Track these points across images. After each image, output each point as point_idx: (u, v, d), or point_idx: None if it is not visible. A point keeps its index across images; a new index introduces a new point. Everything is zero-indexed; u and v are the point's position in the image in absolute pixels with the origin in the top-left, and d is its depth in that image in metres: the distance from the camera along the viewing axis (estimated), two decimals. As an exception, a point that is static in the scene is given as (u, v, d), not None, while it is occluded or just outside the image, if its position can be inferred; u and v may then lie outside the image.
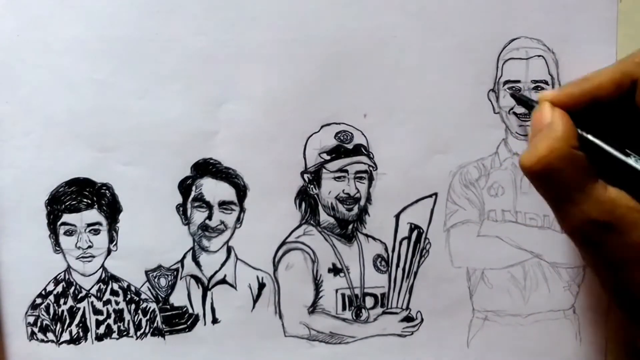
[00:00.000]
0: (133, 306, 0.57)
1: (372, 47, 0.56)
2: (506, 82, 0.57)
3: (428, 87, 0.56)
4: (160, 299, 0.57)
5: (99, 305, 0.57)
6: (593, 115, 0.39)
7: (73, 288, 0.57)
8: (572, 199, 0.37)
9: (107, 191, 0.56)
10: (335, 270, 0.58)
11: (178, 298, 0.57)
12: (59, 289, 0.57)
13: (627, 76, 0.37)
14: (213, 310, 0.58)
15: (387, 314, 0.59)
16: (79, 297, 0.57)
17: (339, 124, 0.56)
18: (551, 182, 0.38)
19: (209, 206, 0.57)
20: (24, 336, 0.57)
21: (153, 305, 0.57)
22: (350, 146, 0.57)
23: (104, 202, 0.56)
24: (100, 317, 0.57)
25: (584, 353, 0.59)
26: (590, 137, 0.39)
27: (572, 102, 0.39)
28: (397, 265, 0.58)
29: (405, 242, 0.58)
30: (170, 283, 0.57)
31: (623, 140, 0.39)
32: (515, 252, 0.58)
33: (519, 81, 0.57)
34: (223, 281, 0.58)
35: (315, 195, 0.57)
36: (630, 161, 0.37)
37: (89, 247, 0.56)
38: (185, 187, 0.56)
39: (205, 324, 0.58)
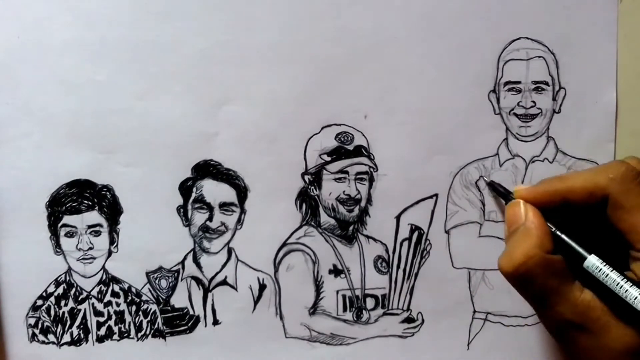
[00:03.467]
0: (134, 308, 0.57)
1: (373, 48, 0.56)
2: (507, 83, 0.57)
3: (428, 88, 0.56)
4: (161, 301, 0.57)
5: (99, 306, 0.57)
6: (568, 212, 0.40)
7: (74, 290, 0.57)
8: (548, 301, 0.39)
9: (107, 193, 0.56)
10: (335, 272, 0.58)
11: (179, 299, 0.57)
12: (60, 290, 0.57)
13: (600, 189, 0.39)
14: (214, 311, 0.58)
15: (388, 315, 0.59)
16: (79, 298, 0.57)
17: (340, 125, 0.57)
18: (528, 287, 0.40)
19: (209, 207, 0.57)
20: (25, 338, 0.57)
21: (154, 307, 0.57)
22: (350, 147, 0.57)
23: (104, 203, 0.56)
24: (101, 319, 0.57)
25: (585, 354, 0.59)
26: (564, 237, 0.40)
27: (545, 200, 0.40)
28: (398, 267, 0.58)
29: (405, 243, 0.58)
30: (171, 284, 0.57)
31: (596, 236, 0.40)
32: (515, 253, 0.58)
33: (519, 82, 0.57)
34: (224, 282, 0.58)
35: (316, 197, 0.57)
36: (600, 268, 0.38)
37: (90, 248, 0.56)
38: (185, 188, 0.56)
39: (206, 326, 0.58)
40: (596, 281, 0.38)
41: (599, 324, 0.38)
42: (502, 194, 0.50)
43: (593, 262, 0.39)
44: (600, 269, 0.38)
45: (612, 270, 0.38)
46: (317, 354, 0.58)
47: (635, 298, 0.37)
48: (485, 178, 0.56)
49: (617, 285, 0.38)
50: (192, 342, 0.58)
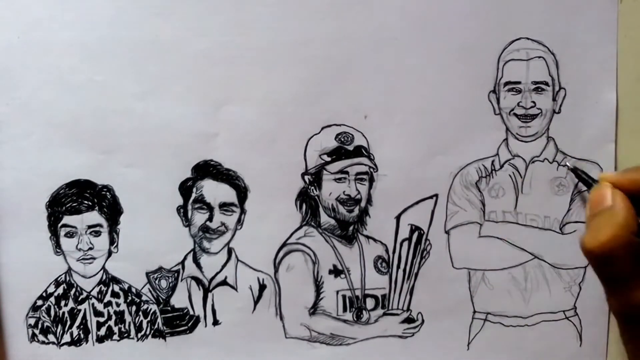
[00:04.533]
0: (134, 308, 0.57)
1: (373, 48, 0.56)
2: (507, 83, 0.57)
3: (428, 88, 0.56)
4: (161, 301, 0.57)
5: (99, 307, 0.57)
6: None
7: (74, 290, 0.57)
8: (627, 284, 0.39)
9: (107, 193, 0.56)
10: (336, 272, 0.58)
11: (179, 300, 0.57)
12: (60, 290, 0.57)
13: None
14: (214, 311, 0.58)
15: (388, 315, 0.59)
16: (79, 298, 0.57)
17: (340, 125, 0.56)
18: (610, 267, 0.39)
19: (209, 208, 0.57)
20: (25, 338, 0.57)
21: (154, 307, 0.57)
22: (350, 148, 0.57)
23: (104, 203, 0.56)
24: (101, 319, 0.57)
25: (585, 354, 0.59)
26: None
27: (633, 188, 0.40)
28: (398, 267, 0.58)
29: (405, 244, 0.58)
30: (171, 285, 0.57)
31: None
32: (516, 253, 0.58)
33: (519, 82, 0.57)
34: (224, 283, 0.58)
35: (316, 197, 0.57)
36: None
37: (90, 248, 0.56)
38: (185, 188, 0.56)
39: (206, 326, 0.58)
40: None
41: None
42: (585, 181, 0.49)
43: None
44: None
45: None
46: (317, 354, 0.58)
47: None
48: (568, 163, 0.56)
49: None
50: (192, 342, 0.58)
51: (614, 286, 0.40)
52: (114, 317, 0.57)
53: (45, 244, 0.56)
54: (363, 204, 0.57)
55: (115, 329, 0.57)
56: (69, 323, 0.57)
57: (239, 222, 0.57)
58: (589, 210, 0.41)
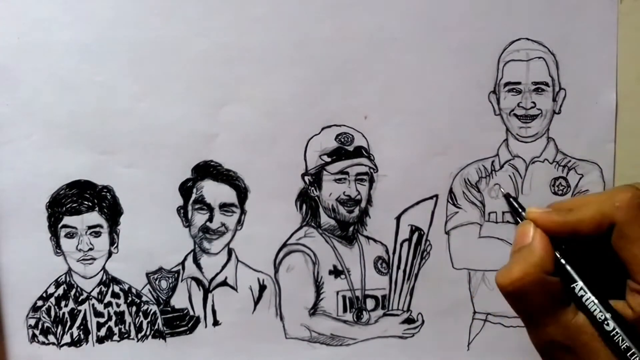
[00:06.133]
0: (134, 308, 0.57)
1: (373, 48, 0.56)
2: (507, 83, 0.57)
3: (428, 88, 0.56)
4: (161, 301, 0.57)
5: (100, 307, 0.57)
6: (576, 241, 0.41)
7: (74, 290, 0.57)
8: (539, 320, 0.40)
9: (108, 193, 0.56)
10: (336, 272, 0.58)
11: (179, 300, 0.57)
12: (60, 291, 0.57)
13: (607, 218, 0.39)
14: (214, 312, 0.58)
15: (388, 315, 0.59)
16: (80, 299, 0.57)
17: (340, 126, 0.56)
18: (522, 304, 0.40)
19: (209, 208, 0.57)
20: (25, 339, 0.57)
21: (154, 308, 0.57)
22: (350, 148, 0.57)
23: (104, 204, 0.56)
24: (101, 320, 0.57)
25: (585, 354, 0.59)
26: (562, 260, 0.40)
27: (553, 229, 0.41)
28: (398, 267, 0.58)
29: (406, 244, 0.58)
30: (171, 285, 0.57)
31: (602, 264, 0.40)
32: (516, 254, 0.58)
33: (519, 83, 0.57)
34: (224, 283, 0.58)
35: (316, 197, 0.57)
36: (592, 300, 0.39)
37: (90, 249, 0.56)
38: (186, 189, 0.56)
39: (206, 326, 0.58)
40: (585, 307, 0.39)
41: (587, 349, 0.39)
42: (516, 211, 0.50)
43: (580, 286, 0.39)
44: (586, 297, 0.39)
45: (596, 299, 0.39)
46: (317, 354, 0.58)
47: (613, 329, 0.37)
48: (502, 190, 0.57)
49: (599, 313, 0.38)
50: (192, 343, 0.58)
51: (528, 322, 0.41)
52: (114, 318, 0.57)
53: (45, 244, 0.56)
54: (363, 204, 0.57)
55: (116, 330, 0.57)
56: (69, 324, 0.57)
57: (239, 222, 0.57)
58: (514, 246, 0.43)
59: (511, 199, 0.50)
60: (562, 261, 0.40)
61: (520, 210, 0.48)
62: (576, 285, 0.39)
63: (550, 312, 0.39)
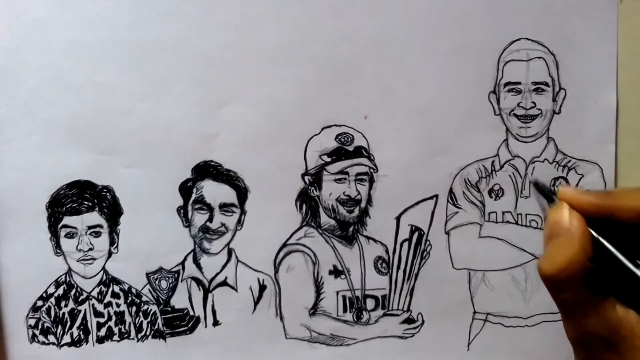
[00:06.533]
0: (134, 308, 0.57)
1: (373, 49, 0.56)
2: (507, 83, 0.57)
3: (428, 89, 0.56)
4: (161, 301, 0.57)
5: (99, 307, 0.57)
6: (611, 224, 0.40)
7: (74, 290, 0.57)
8: (580, 311, 0.39)
9: (108, 193, 0.56)
10: (336, 272, 0.58)
11: (179, 300, 0.57)
12: (60, 291, 0.57)
13: None
14: (214, 312, 0.58)
15: (388, 315, 0.59)
16: (80, 299, 0.57)
17: (340, 126, 0.56)
18: (565, 293, 0.39)
19: (209, 208, 0.57)
20: (25, 339, 0.57)
21: (154, 308, 0.57)
22: (350, 148, 0.57)
23: (104, 204, 0.56)
24: (101, 320, 0.57)
25: (585, 354, 0.59)
26: (610, 247, 0.39)
27: (591, 211, 0.40)
28: (398, 267, 0.58)
29: (406, 244, 0.58)
30: (171, 285, 0.57)
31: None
32: (516, 254, 0.58)
33: (519, 83, 0.57)
34: (224, 283, 0.58)
35: (316, 197, 0.57)
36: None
37: (90, 249, 0.56)
38: (186, 189, 0.56)
39: (206, 326, 0.58)
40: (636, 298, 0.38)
41: (628, 344, 0.38)
42: (546, 195, 0.50)
43: (628, 266, 0.38)
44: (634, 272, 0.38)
45: None
46: (317, 354, 0.58)
47: None
48: (531, 178, 0.56)
49: None
50: (192, 343, 0.58)
51: (568, 312, 0.40)
52: (114, 318, 0.57)
53: (45, 244, 0.56)
54: (363, 204, 0.57)
55: (116, 330, 0.57)
56: (69, 324, 0.57)
57: (239, 222, 0.57)
58: (547, 230, 0.42)
59: (540, 184, 0.49)
60: (603, 242, 0.39)
61: (551, 194, 0.46)
62: (624, 263, 0.38)
63: (591, 301, 0.38)
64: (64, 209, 0.56)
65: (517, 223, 0.58)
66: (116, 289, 0.57)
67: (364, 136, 0.57)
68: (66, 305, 0.57)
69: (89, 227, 0.56)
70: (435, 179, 0.57)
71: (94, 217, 0.56)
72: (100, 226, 0.56)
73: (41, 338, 0.57)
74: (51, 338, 0.57)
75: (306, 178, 0.57)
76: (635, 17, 0.57)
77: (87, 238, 0.56)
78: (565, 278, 0.39)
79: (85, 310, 0.57)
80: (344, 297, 0.58)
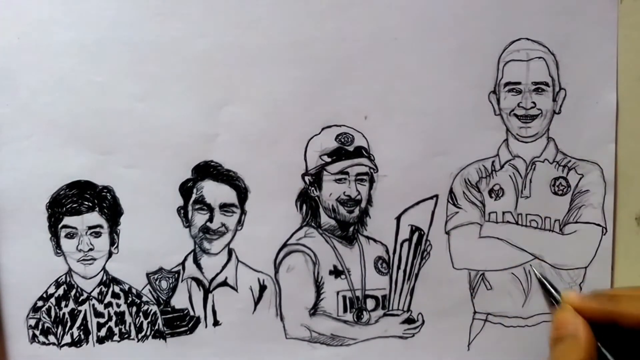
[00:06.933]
0: (134, 309, 0.57)
1: (373, 49, 0.56)
2: (507, 83, 0.57)
3: (428, 89, 0.56)
4: (162, 302, 0.57)
5: (100, 307, 0.57)
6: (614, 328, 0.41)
7: (74, 291, 0.57)
8: None
9: (108, 194, 0.56)
10: (336, 272, 0.58)
11: (179, 300, 0.57)
12: (60, 291, 0.57)
13: None
14: (214, 312, 0.58)
15: (388, 315, 0.59)
16: (80, 299, 0.57)
17: (340, 126, 0.56)
18: None
19: (209, 208, 0.57)
20: (26, 339, 0.57)
21: (154, 308, 0.57)
22: (351, 148, 0.57)
23: (105, 204, 0.56)
24: (102, 320, 0.57)
25: (585, 354, 0.59)
26: (610, 358, 0.40)
27: (593, 317, 0.41)
28: (398, 267, 0.58)
29: (406, 244, 0.58)
30: (171, 285, 0.57)
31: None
32: (516, 254, 0.58)
33: (519, 83, 0.57)
34: (224, 283, 0.58)
35: (316, 198, 0.57)
36: None
37: (90, 249, 0.56)
38: (186, 189, 0.56)
39: (206, 326, 0.58)
40: None
41: None
42: (551, 294, 0.50)
43: None
44: None
45: None
46: (317, 354, 0.58)
47: None
48: (536, 272, 0.57)
49: None
50: (192, 343, 0.58)
51: None
52: (114, 318, 0.57)
53: (45, 244, 0.56)
54: (363, 204, 0.57)
55: (116, 330, 0.57)
56: (69, 324, 0.57)
57: (239, 222, 0.57)
58: (553, 332, 0.42)
59: (545, 282, 0.49)
60: (605, 353, 0.40)
61: (555, 293, 0.47)
62: None
63: None
64: (64, 209, 0.56)
65: (517, 223, 0.58)
66: (116, 289, 0.57)
67: (364, 136, 0.57)
68: (66, 306, 0.57)
69: (89, 228, 0.56)
70: (436, 179, 0.57)
71: (94, 218, 0.56)
72: (101, 226, 0.56)
73: (41, 338, 0.57)
74: (51, 338, 0.57)
75: (306, 178, 0.57)
76: (635, 17, 0.57)
77: (88, 238, 0.56)
78: None
79: (85, 310, 0.57)
80: (344, 297, 0.58)
